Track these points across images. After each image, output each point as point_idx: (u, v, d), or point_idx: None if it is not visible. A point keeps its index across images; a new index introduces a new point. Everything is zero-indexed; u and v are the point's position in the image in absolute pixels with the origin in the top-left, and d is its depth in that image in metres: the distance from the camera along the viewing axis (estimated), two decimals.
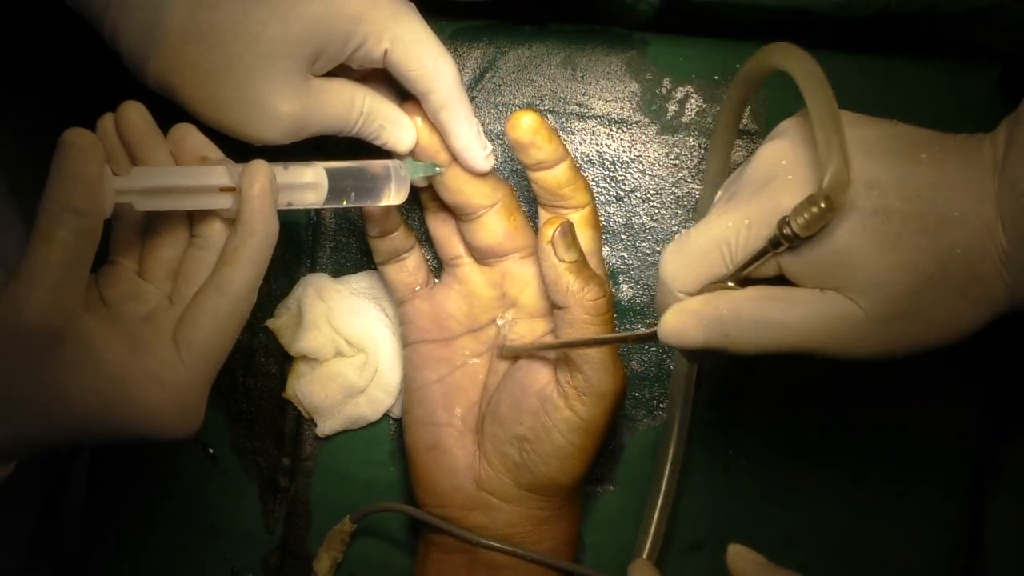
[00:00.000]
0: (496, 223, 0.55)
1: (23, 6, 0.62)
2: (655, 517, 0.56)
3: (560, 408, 0.53)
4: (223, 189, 0.47)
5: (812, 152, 0.43)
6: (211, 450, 0.63)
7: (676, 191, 0.61)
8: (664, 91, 0.61)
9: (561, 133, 0.61)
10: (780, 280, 0.44)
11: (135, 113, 0.48)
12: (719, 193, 0.49)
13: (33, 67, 0.65)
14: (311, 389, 0.61)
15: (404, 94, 0.54)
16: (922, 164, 0.43)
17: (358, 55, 0.51)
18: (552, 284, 0.52)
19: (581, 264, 0.52)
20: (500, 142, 0.60)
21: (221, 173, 0.47)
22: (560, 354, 0.54)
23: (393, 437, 0.62)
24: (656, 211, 0.61)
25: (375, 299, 0.61)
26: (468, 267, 0.58)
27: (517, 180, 0.61)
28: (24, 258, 0.41)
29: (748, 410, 0.61)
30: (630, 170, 0.61)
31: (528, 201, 0.59)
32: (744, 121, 0.60)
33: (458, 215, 0.56)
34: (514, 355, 0.56)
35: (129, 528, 0.64)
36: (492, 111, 0.61)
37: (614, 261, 0.61)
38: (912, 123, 0.45)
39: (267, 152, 0.49)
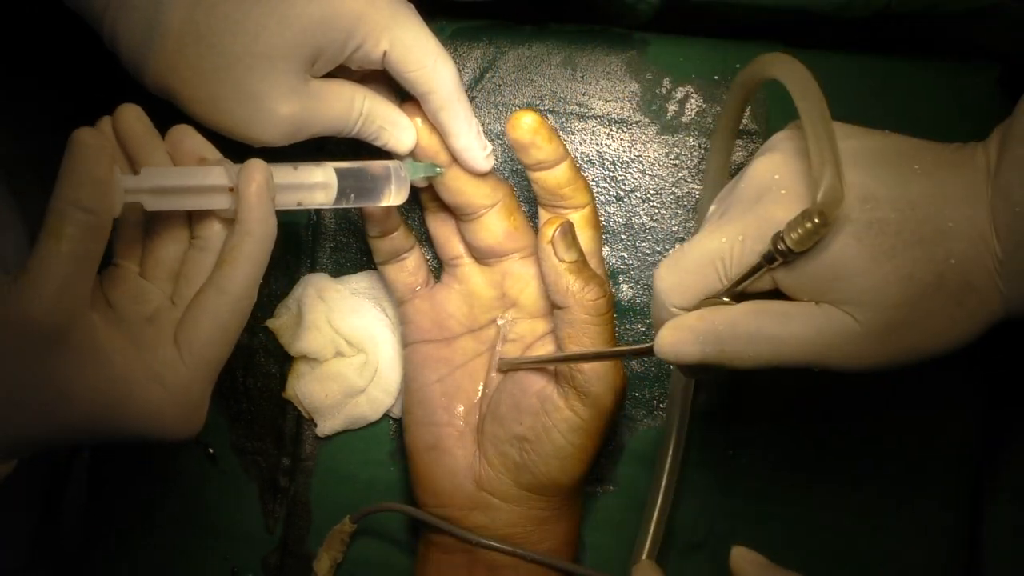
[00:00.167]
0: (496, 223, 0.55)
1: (23, 6, 0.62)
2: (655, 517, 0.56)
3: (560, 408, 0.53)
4: (232, 189, 0.47)
5: (805, 165, 0.43)
6: (211, 450, 0.63)
7: (676, 191, 0.61)
8: (664, 91, 0.61)
9: (561, 133, 0.61)
10: (775, 294, 0.44)
11: (132, 115, 0.48)
12: (712, 207, 0.49)
13: (33, 67, 0.65)
14: (311, 389, 0.61)
15: (404, 95, 0.54)
16: (915, 175, 0.43)
17: (357, 56, 0.51)
18: (552, 284, 0.52)
19: (581, 264, 0.52)
20: (500, 142, 0.61)
21: (227, 173, 0.47)
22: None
23: (393, 437, 0.62)
24: (656, 211, 0.61)
25: (375, 299, 0.61)
26: (468, 267, 0.58)
27: (517, 180, 0.61)
28: (32, 255, 0.41)
29: (748, 410, 0.61)
30: (630, 170, 0.61)
31: (528, 201, 0.59)
32: (744, 121, 0.60)
33: (458, 215, 0.56)
34: (512, 369, 0.56)
35: (129, 528, 0.64)
36: (492, 111, 0.61)
37: (614, 261, 0.61)
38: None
39: (270, 153, 0.49)
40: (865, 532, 0.61)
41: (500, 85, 0.61)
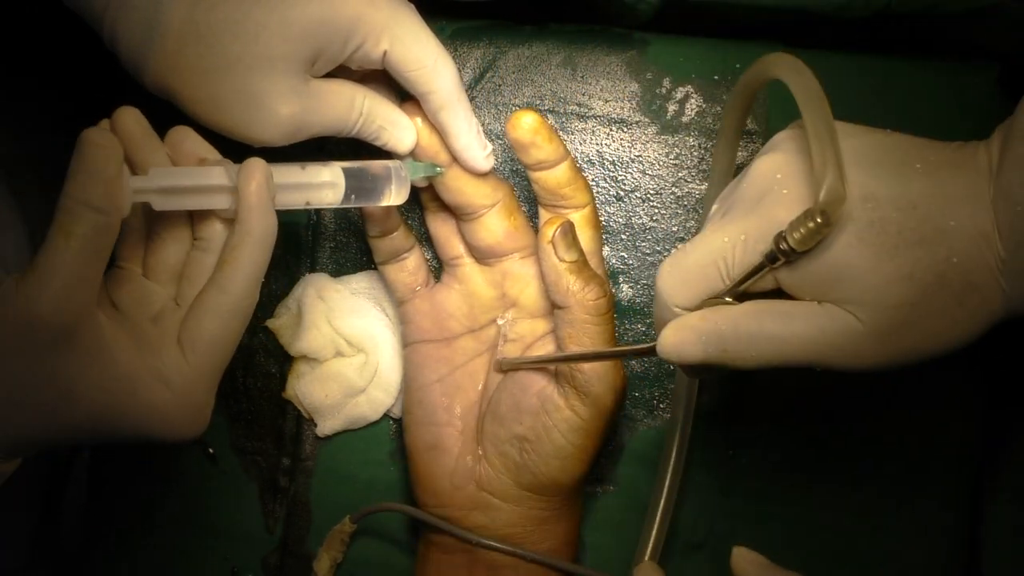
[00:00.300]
0: (496, 223, 0.55)
1: (23, 6, 0.62)
2: (658, 518, 0.56)
3: (560, 408, 0.53)
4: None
5: (807, 165, 0.43)
6: (211, 450, 0.63)
7: (676, 191, 0.61)
8: (664, 91, 0.61)
9: (561, 133, 0.60)
10: (777, 293, 0.44)
11: (131, 119, 0.48)
12: (715, 206, 0.49)
13: (33, 67, 0.65)
14: (311, 389, 0.61)
15: (404, 94, 0.54)
16: (917, 174, 0.43)
17: (357, 56, 0.51)
18: (553, 284, 0.52)
19: (582, 264, 0.52)
20: (500, 142, 0.61)
21: (227, 173, 0.47)
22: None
23: (393, 437, 0.62)
24: (656, 211, 0.61)
25: (375, 299, 0.61)
26: (468, 267, 0.58)
27: (517, 180, 0.61)
28: (40, 252, 0.42)
29: (749, 410, 0.61)
30: (630, 170, 0.61)
31: (528, 201, 0.59)
32: None
33: (458, 215, 0.56)
34: (512, 369, 0.56)
35: (129, 528, 0.64)
36: (492, 111, 0.61)
37: (614, 261, 0.61)
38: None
39: (270, 153, 0.49)
40: (865, 532, 0.61)
41: (500, 85, 0.61)
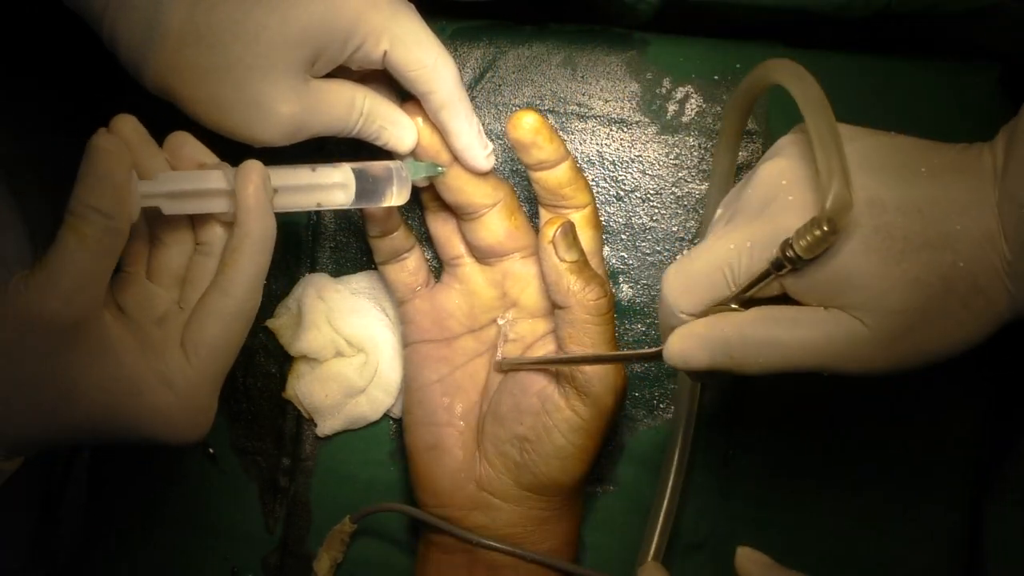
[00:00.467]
0: (497, 223, 0.55)
1: (23, 6, 0.62)
2: (661, 519, 0.56)
3: (561, 408, 0.53)
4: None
5: (812, 170, 0.43)
6: (211, 450, 0.63)
7: (676, 191, 0.61)
8: (664, 91, 0.61)
9: (561, 133, 0.60)
10: (783, 299, 0.44)
11: (128, 126, 0.47)
12: (719, 211, 0.49)
13: (33, 67, 0.65)
14: (311, 389, 0.61)
15: (404, 94, 0.54)
16: (922, 177, 0.43)
17: (357, 56, 0.50)
18: (553, 284, 0.52)
19: (582, 264, 0.52)
20: (500, 142, 0.60)
21: (225, 176, 0.47)
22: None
23: (393, 437, 0.62)
24: (656, 211, 0.61)
25: (375, 299, 0.61)
26: (469, 267, 0.58)
27: (517, 180, 0.61)
28: (50, 251, 0.42)
29: (750, 413, 0.61)
30: (630, 170, 0.61)
31: (529, 201, 0.59)
32: None
33: (459, 215, 0.56)
34: (513, 369, 0.56)
35: (129, 528, 0.64)
36: (492, 111, 0.61)
37: (614, 261, 0.61)
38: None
39: (270, 154, 0.49)
40: (869, 536, 0.60)
41: (500, 85, 0.61)
